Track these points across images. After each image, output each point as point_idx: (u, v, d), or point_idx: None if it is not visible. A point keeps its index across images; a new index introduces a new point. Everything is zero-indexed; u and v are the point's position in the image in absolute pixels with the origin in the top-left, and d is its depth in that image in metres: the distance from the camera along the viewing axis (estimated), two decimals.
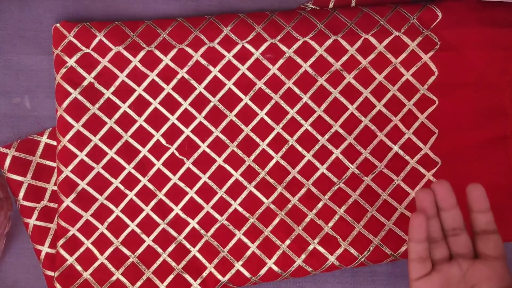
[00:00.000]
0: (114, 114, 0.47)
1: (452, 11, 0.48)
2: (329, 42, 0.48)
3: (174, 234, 0.47)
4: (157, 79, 0.48)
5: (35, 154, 0.48)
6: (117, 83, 0.48)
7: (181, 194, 0.47)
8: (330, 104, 0.48)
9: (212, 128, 0.48)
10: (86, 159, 0.47)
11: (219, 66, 0.48)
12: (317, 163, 0.48)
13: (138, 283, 0.47)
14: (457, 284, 0.34)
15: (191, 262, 0.47)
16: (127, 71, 0.48)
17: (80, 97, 0.47)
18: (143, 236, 0.47)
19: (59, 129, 0.47)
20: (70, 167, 0.47)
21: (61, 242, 0.46)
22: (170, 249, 0.47)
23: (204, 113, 0.48)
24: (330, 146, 0.48)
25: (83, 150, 0.47)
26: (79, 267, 0.47)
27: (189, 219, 0.47)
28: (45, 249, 0.48)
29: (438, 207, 0.36)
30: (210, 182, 0.47)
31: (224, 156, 0.48)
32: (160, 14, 0.49)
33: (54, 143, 0.48)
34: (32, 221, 0.48)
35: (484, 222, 0.36)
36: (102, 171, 0.47)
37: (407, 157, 0.48)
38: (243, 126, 0.48)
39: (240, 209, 0.47)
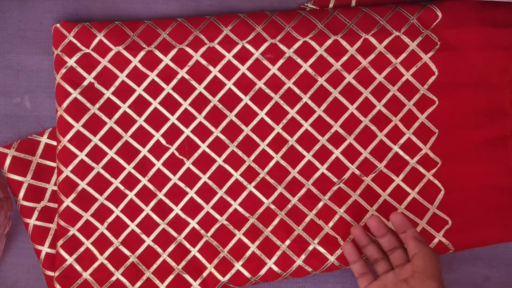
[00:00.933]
0: (114, 114, 0.47)
1: (452, 11, 0.48)
2: (329, 42, 0.48)
3: (174, 234, 0.47)
4: (157, 79, 0.48)
5: (35, 154, 0.48)
6: (117, 83, 0.48)
7: (181, 194, 0.47)
8: (330, 104, 0.48)
9: (212, 128, 0.48)
10: (86, 159, 0.47)
11: (219, 66, 0.48)
12: (317, 163, 0.48)
13: (138, 283, 0.47)
14: (393, 285, 0.43)
15: (191, 262, 0.47)
16: (127, 71, 0.48)
17: (80, 97, 0.47)
18: (143, 236, 0.47)
19: (59, 129, 0.47)
20: (70, 167, 0.47)
21: (61, 242, 0.46)
22: (170, 249, 0.47)
23: (204, 113, 0.48)
24: (330, 146, 0.48)
25: (83, 150, 0.47)
26: (79, 267, 0.47)
27: (189, 219, 0.47)
28: (45, 249, 0.48)
29: (374, 236, 0.46)
30: (210, 182, 0.47)
31: (224, 156, 0.47)
32: (160, 14, 0.49)
33: (54, 143, 0.48)
34: (32, 221, 0.47)
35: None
36: (102, 171, 0.47)
37: (407, 157, 0.48)
38: (243, 126, 0.48)
39: (240, 209, 0.47)
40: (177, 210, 0.47)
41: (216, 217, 0.47)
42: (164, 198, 0.47)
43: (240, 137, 0.48)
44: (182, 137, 0.48)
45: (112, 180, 0.47)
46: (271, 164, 0.48)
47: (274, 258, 0.47)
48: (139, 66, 0.47)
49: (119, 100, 0.47)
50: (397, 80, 0.48)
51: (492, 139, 0.48)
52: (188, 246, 0.47)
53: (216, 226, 0.47)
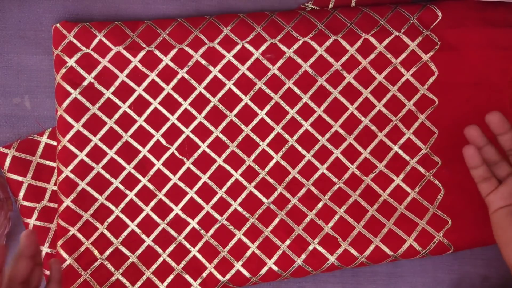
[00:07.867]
0: (114, 114, 0.47)
1: (452, 11, 0.48)
2: (329, 42, 0.48)
3: (174, 234, 0.47)
4: (157, 79, 0.48)
5: (35, 154, 0.48)
6: (117, 83, 0.48)
7: (181, 194, 0.47)
8: (330, 104, 0.48)
9: (212, 128, 0.48)
10: (86, 159, 0.47)
11: (219, 66, 0.48)
12: (317, 163, 0.48)
13: (138, 283, 0.47)
14: None
15: (191, 262, 0.47)
16: (127, 71, 0.48)
17: (80, 97, 0.47)
18: (143, 236, 0.47)
19: (59, 129, 0.47)
20: (70, 167, 0.47)
21: (60, 242, 0.46)
22: (170, 249, 0.47)
23: (204, 113, 0.48)
24: (330, 146, 0.48)
25: (83, 150, 0.47)
26: (78, 267, 0.47)
27: (189, 219, 0.47)
28: (45, 249, 0.48)
29: (494, 134, 0.42)
30: (210, 182, 0.47)
31: (224, 156, 0.47)
32: (160, 14, 0.49)
33: (54, 143, 0.48)
34: (32, 221, 0.48)
35: (509, 142, 0.42)
36: (102, 171, 0.47)
37: (407, 157, 0.48)
38: (243, 126, 0.48)
39: (240, 209, 0.47)
40: (177, 210, 0.47)
41: (216, 217, 0.47)
42: (164, 198, 0.47)
43: (240, 137, 0.48)
44: (182, 137, 0.48)
45: (112, 180, 0.47)
46: (271, 164, 0.48)
47: (274, 258, 0.47)
48: (139, 66, 0.48)
49: (119, 100, 0.48)
50: (397, 80, 0.48)
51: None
52: (188, 246, 0.47)
53: (216, 226, 0.47)
